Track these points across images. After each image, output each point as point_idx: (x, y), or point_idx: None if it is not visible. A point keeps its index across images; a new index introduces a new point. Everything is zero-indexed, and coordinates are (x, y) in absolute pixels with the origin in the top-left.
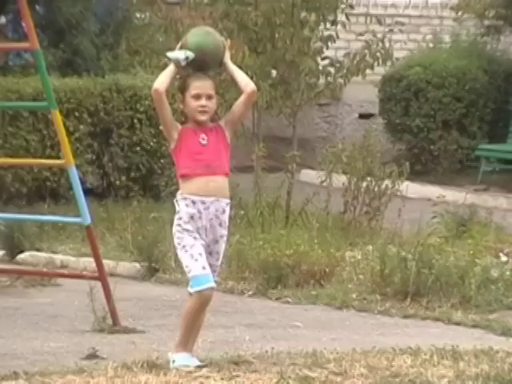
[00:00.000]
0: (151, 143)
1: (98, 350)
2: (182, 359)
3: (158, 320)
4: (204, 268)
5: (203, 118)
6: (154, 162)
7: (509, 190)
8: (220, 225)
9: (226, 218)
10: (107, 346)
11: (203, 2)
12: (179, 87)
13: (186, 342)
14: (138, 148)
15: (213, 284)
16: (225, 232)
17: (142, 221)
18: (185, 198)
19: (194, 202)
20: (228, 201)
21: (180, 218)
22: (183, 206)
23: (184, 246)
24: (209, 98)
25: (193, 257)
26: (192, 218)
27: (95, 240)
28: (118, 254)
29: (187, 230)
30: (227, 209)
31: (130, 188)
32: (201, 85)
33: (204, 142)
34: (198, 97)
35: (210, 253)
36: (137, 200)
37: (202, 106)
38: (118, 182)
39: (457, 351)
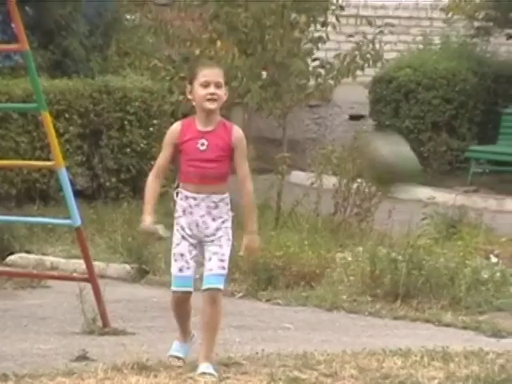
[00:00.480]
0: (141, 145)
1: (88, 351)
2: (172, 348)
3: (147, 322)
4: (181, 270)
5: (212, 106)
6: (144, 164)
7: (498, 192)
8: (213, 220)
9: (219, 212)
10: (97, 348)
11: (193, 4)
12: (188, 77)
13: (181, 330)
14: (127, 149)
15: (186, 289)
16: (222, 225)
17: (131, 222)
18: (180, 192)
19: (186, 197)
20: (222, 196)
21: (177, 210)
22: (179, 198)
23: (173, 242)
24: (218, 86)
25: (174, 256)
26: (184, 211)
27: (85, 242)
28: (108, 256)
29: (179, 225)
30: (221, 204)
31: (119, 189)
32: (209, 72)
33: (203, 148)
34: (206, 85)
35: (212, 241)
36: (127, 201)
37: (211, 94)
38: (107, 184)
39: (447, 352)
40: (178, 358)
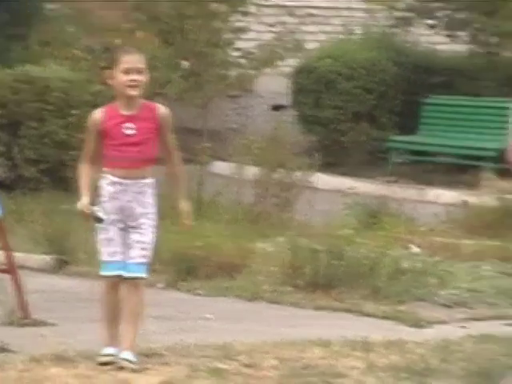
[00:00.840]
0: (61, 135)
1: (8, 343)
2: (103, 350)
3: (67, 312)
4: (111, 255)
5: (134, 92)
6: (63, 154)
7: (419, 182)
8: (139, 205)
9: (146, 198)
10: (16, 339)
11: None
12: (108, 63)
13: (109, 334)
14: (47, 140)
15: (117, 273)
16: (147, 210)
17: (51, 213)
18: (106, 177)
19: (113, 183)
20: (148, 181)
21: (102, 196)
22: (104, 184)
23: (99, 227)
24: (139, 72)
25: (102, 242)
26: (110, 197)
27: (5, 232)
28: (28, 247)
29: (105, 210)
30: (147, 189)
31: (39, 180)
32: (131, 59)
33: (129, 132)
34: (128, 71)
35: (133, 227)
36: (46, 192)
37: (133, 81)
38: (27, 174)
39: (367, 342)
40: (111, 355)
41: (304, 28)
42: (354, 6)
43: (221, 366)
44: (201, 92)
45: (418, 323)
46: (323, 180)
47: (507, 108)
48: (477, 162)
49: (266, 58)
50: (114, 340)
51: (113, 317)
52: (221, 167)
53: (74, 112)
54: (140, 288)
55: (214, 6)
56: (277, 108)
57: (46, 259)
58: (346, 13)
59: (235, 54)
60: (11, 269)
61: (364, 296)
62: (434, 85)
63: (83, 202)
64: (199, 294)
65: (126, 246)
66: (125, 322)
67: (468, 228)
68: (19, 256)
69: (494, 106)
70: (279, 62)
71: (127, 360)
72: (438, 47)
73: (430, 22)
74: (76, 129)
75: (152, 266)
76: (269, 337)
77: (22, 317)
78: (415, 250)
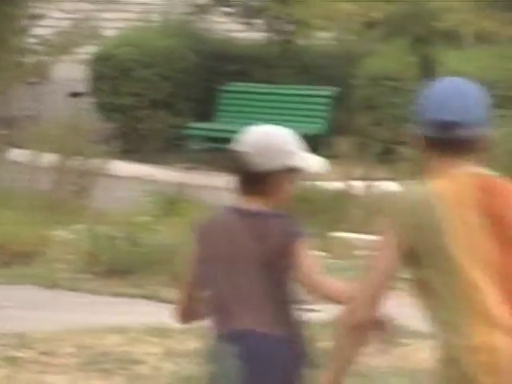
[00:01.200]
0: None
1: None
2: None
3: None
4: None
5: None
6: None
7: (216, 168)
8: None
9: None
10: None
11: None
12: None
13: None
14: None
15: None
16: None
17: None
18: None
19: None
20: None
21: None
22: None
23: None
24: None
25: None
26: None
27: None
28: None
29: None
30: None
31: None
32: None
33: None
34: None
35: None
36: None
37: None
38: None
39: (165, 329)
40: None
41: (103, 15)
42: None
43: (17, 354)
44: None
45: None
46: (121, 167)
47: (303, 95)
48: None
49: (63, 45)
50: None
51: None
52: (17, 154)
53: None
54: None
55: None
56: (75, 95)
57: None
58: (145, 0)
59: (32, 40)
60: None
61: (162, 282)
62: (231, 72)
63: None
64: None
65: None
66: None
67: None
68: None
69: (289, 94)
70: (77, 49)
71: None
72: (236, 35)
73: (226, 9)
74: None
75: None
76: (66, 324)
77: None
78: None
